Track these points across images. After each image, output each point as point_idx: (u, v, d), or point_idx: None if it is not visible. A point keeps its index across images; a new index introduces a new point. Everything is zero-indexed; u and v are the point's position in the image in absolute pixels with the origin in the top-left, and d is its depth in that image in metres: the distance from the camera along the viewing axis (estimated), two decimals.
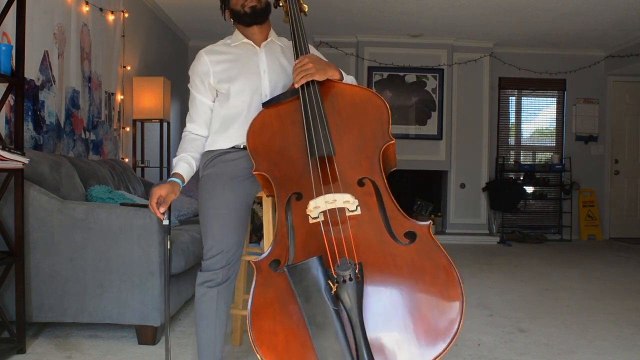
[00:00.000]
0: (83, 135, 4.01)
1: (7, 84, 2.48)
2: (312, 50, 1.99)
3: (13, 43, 2.69)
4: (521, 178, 7.26)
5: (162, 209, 1.79)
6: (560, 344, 2.73)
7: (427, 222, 1.56)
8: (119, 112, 4.73)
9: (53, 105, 3.55)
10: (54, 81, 3.57)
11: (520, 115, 7.47)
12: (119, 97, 4.71)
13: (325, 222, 1.56)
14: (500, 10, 5.63)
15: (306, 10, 1.99)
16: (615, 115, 7.41)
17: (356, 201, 1.58)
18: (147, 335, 2.59)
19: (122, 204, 2.70)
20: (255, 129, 1.78)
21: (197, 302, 1.92)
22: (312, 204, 1.59)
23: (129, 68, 4.88)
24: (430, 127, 6.89)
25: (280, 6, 2.01)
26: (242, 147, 1.93)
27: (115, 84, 4.61)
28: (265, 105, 1.82)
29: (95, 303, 2.54)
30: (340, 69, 1.89)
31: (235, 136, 1.93)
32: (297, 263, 1.46)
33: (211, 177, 1.92)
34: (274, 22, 2.04)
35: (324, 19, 5.99)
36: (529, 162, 7.43)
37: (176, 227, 3.36)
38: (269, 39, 2.00)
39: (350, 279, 1.45)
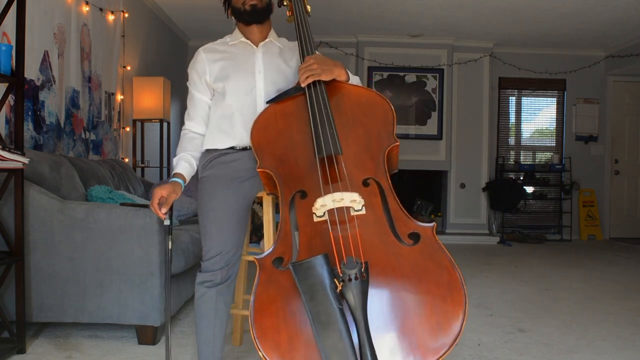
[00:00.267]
0: (83, 135, 4.01)
1: (7, 84, 2.47)
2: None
3: (13, 43, 2.68)
4: (521, 178, 7.26)
5: (163, 210, 1.79)
6: (560, 344, 2.73)
7: (431, 224, 1.56)
8: (119, 112, 4.72)
9: (53, 105, 3.55)
10: (54, 81, 3.57)
11: (520, 115, 7.47)
12: (119, 97, 4.70)
13: (331, 221, 1.56)
14: (500, 10, 5.63)
15: (309, 10, 1.99)
16: (615, 115, 7.41)
17: (362, 200, 1.59)
18: (147, 335, 2.59)
19: (122, 204, 2.70)
20: (260, 126, 1.78)
21: (196, 302, 1.92)
22: (319, 201, 1.59)
23: (129, 68, 4.88)
24: (430, 127, 6.89)
25: (284, 5, 2.01)
26: (240, 148, 1.93)
27: (115, 84, 4.61)
28: (270, 102, 1.81)
29: (95, 303, 2.54)
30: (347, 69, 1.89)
31: (233, 137, 1.92)
32: (303, 260, 1.46)
33: (210, 179, 1.92)
34: (276, 22, 2.03)
35: (324, 19, 5.99)
36: (529, 162, 7.43)
37: (176, 227, 3.36)
38: (267, 39, 1.99)
39: (356, 278, 1.45)
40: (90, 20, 4.09)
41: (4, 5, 2.49)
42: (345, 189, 1.60)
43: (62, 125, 3.68)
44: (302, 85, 1.75)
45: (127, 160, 4.85)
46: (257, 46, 1.98)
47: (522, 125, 7.50)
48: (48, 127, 3.49)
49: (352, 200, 1.58)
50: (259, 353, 1.47)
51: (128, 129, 4.97)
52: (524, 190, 7.14)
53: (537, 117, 7.53)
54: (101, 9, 4.27)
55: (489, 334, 2.87)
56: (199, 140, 1.99)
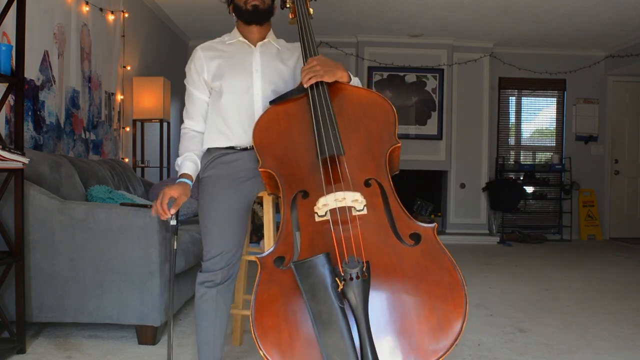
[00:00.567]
0: (83, 135, 4.01)
1: (7, 84, 2.47)
2: None
3: (13, 43, 2.68)
4: (521, 178, 7.26)
5: (172, 211, 1.79)
6: (560, 344, 2.73)
7: (432, 225, 1.57)
8: (119, 112, 4.72)
9: (53, 105, 3.55)
10: (54, 81, 3.57)
11: (520, 115, 7.47)
12: (119, 97, 4.70)
13: (333, 221, 1.57)
14: (500, 10, 5.63)
15: (312, 13, 1.99)
16: (615, 115, 7.41)
17: (364, 200, 1.59)
18: (147, 335, 2.59)
19: (122, 204, 2.70)
20: (262, 127, 1.78)
21: (197, 301, 1.92)
22: (321, 201, 1.60)
23: (128, 68, 4.88)
24: (430, 127, 6.89)
25: (287, 7, 2.01)
26: (240, 148, 1.93)
27: (115, 84, 4.61)
28: (273, 103, 1.81)
29: (95, 303, 2.54)
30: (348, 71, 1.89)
31: (231, 136, 1.92)
32: (305, 260, 1.47)
33: (212, 179, 1.92)
34: (277, 24, 2.03)
35: (324, 19, 5.99)
36: (529, 162, 7.43)
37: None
38: (266, 40, 1.99)
39: (358, 277, 1.46)
40: (90, 20, 4.09)
41: (4, 5, 2.49)
42: (348, 189, 1.61)
43: (62, 125, 3.68)
44: (305, 86, 1.75)
45: (127, 160, 4.84)
46: (255, 46, 1.98)
47: (522, 125, 7.50)
48: (48, 127, 3.49)
49: (354, 200, 1.59)
50: (260, 352, 1.47)
51: (128, 129, 4.97)
52: (524, 190, 7.14)
53: (537, 117, 7.53)
54: (101, 9, 4.27)
55: (489, 334, 2.87)
56: (199, 138, 1.99)
